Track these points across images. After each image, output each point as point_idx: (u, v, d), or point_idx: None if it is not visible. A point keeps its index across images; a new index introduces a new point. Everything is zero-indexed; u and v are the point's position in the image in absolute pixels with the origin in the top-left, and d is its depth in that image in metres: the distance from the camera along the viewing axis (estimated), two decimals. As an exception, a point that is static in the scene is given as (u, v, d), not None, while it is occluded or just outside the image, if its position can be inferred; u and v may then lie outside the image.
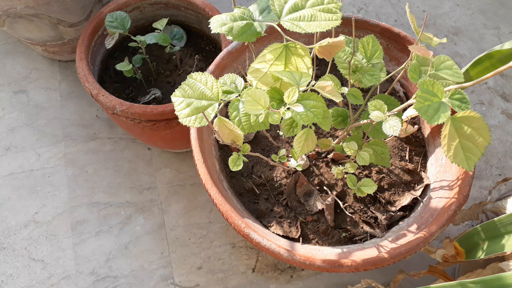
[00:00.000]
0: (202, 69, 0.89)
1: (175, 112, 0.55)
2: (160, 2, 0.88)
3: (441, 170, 0.69)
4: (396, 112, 0.50)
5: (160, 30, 0.82)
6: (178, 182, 0.99)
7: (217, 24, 0.52)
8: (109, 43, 0.75)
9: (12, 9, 0.86)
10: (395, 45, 0.76)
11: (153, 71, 0.88)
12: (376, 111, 0.48)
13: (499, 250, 0.54)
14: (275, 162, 0.67)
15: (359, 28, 0.78)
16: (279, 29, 0.52)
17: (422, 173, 0.71)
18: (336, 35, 0.74)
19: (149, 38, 0.79)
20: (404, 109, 0.69)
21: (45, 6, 0.87)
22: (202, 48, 0.92)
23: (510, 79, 1.17)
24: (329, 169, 0.72)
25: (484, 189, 1.03)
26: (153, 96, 0.85)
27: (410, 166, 0.72)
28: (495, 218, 0.55)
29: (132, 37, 0.77)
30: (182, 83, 0.55)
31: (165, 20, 0.82)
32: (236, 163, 0.55)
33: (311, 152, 0.73)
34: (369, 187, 0.58)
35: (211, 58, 0.90)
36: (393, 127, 0.46)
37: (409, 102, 0.47)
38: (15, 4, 0.85)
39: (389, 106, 0.56)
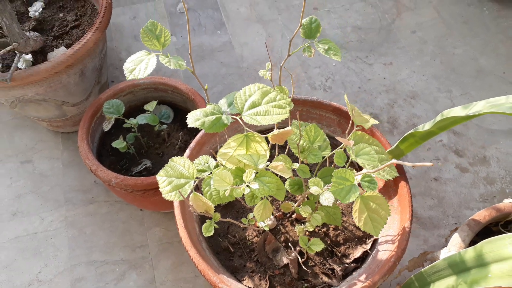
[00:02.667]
0: (187, 141, 1.03)
1: (159, 189, 0.68)
2: (151, 87, 1.04)
3: (386, 227, 0.81)
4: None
5: (150, 111, 0.97)
6: (167, 239, 1.11)
7: (193, 120, 0.66)
8: (106, 126, 0.90)
9: (24, 96, 1.02)
10: (345, 120, 0.92)
11: (144, 145, 1.02)
12: (315, 187, 0.61)
13: (428, 296, 0.66)
14: (245, 224, 0.80)
15: (315, 107, 0.93)
16: (241, 122, 0.66)
17: (372, 229, 0.84)
18: (293, 116, 0.89)
19: (141, 119, 0.94)
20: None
21: (53, 92, 1.03)
22: (186, 123, 1.07)
23: (462, 136, 1.32)
24: (293, 228, 0.84)
25: (441, 237, 1.15)
26: (144, 166, 0.99)
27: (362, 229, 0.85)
28: (422, 269, 0.67)
29: (126, 121, 0.92)
30: (165, 165, 0.69)
31: (154, 103, 0.98)
32: (208, 230, 0.68)
33: (277, 213, 0.86)
34: (317, 246, 0.71)
35: (194, 131, 1.05)
36: (327, 199, 0.59)
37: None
38: (27, 92, 1.00)
39: (330, 177, 0.70)
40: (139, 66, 0.66)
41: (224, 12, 1.59)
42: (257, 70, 1.46)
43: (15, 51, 0.95)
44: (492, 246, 0.57)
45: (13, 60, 1.05)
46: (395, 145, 0.77)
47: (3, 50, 0.90)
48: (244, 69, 1.47)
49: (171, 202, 1.01)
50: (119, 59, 1.44)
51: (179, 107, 1.10)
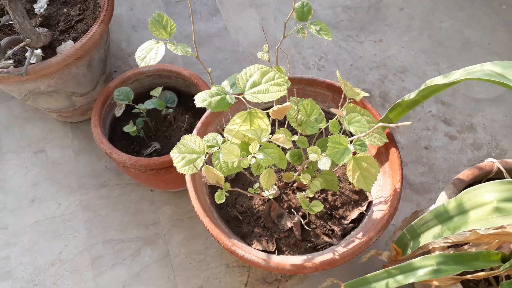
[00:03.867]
0: (192, 123, 1.10)
1: (173, 164, 0.75)
2: (155, 74, 1.11)
3: (379, 190, 0.89)
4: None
5: (156, 97, 1.04)
6: (178, 216, 1.19)
7: (200, 100, 0.73)
8: (118, 112, 0.97)
9: (37, 89, 1.08)
10: (339, 95, 0.99)
11: (152, 129, 1.09)
12: (313, 154, 0.69)
13: (417, 245, 0.74)
14: (251, 193, 0.87)
15: (310, 85, 1.00)
16: (244, 101, 0.73)
17: (367, 193, 0.92)
18: (291, 93, 0.96)
19: (148, 104, 1.01)
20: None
21: (63, 84, 1.09)
22: (190, 106, 1.14)
23: (450, 106, 1.40)
24: (295, 196, 0.92)
25: (433, 200, 1.24)
26: (154, 148, 1.06)
27: (357, 187, 0.93)
28: (412, 223, 0.75)
29: (136, 106, 0.99)
30: (177, 143, 0.76)
31: (159, 89, 1.04)
32: (220, 198, 0.76)
33: (280, 183, 0.94)
34: (317, 207, 0.79)
35: (198, 114, 1.12)
36: (324, 164, 0.67)
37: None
38: (39, 85, 1.06)
39: (326, 146, 0.77)
40: (149, 54, 0.73)
41: (218, -2, 1.64)
42: (252, 53, 1.53)
43: (27, 47, 1.01)
44: (470, 195, 0.65)
45: (23, 55, 1.11)
46: (385, 114, 0.84)
47: (17, 46, 0.96)
48: (240, 53, 1.52)
49: (181, 181, 1.09)
50: (120, 49, 1.50)
51: (182, 91, 1.16)
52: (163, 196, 1.21)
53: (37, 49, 1.06)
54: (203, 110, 1.12)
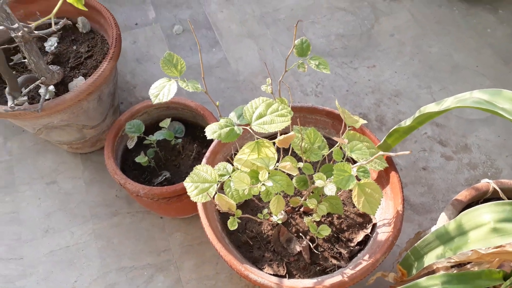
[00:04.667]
0: (199, 152, 1.15)
1: (187, 193, 0.80)
2: (163, 106, 1.17)
3: (382, 212, 0.94)
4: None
5: (165, 128, 1.09)
6: (188, 242, 1.22)
7: (210, 132, 0.78)
8: (130, 144, 1.02)
9: (50, 123, 1.13)
10: (338, 122, 1.04)
11: (162, 158, 1.14)
12: (319, 180, 0.74)
13: (422, 266, 0.78)
14: (261, 219, 0.92)
15: (311, 113, 1.06)
16: (251, 131, 0.78)
17: (371, 215, 0.96)
18: (293, 121, 1.01)
19: (158, 136, 1.06)
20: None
21: (75, 118, 1.15)
22: (197, 136, 1.19)
23: (444, 127, 1.46)
24: (302, 220, 0.97)
25: (434, 220, 1.28)
26: (164, 177, 1.11)
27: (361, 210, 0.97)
28: (416, 244, 0.80)
29: (146, 138, 1.04)
30: (190, 173, 0.80)
31: (168, 120, 1.10)
32: (233, 224, 0.80)
33: (287, 208, 0.98)
34: (325, 230, 0.83)
35: (205, 143, 1.17)
36: (330, 189, 0.72)
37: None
38: (53, 119, 1.12)
39: (330, 172, 0.82)
40: (162, 91, 0.78)
41: (217, 30, 1.72)
42: (253, 82, 1.59)
43: (41, 84, 1.06)
44: (468, 216, 0.70)
45: (36, 91, 1.17)
46: (383, 140, 0.90)
47: (33, 84, 1.02)
48: (241, 82, 1.59)
49: (191, 208, 1.13)
50: (125, 81, 1.56)
51: (189, 122, 1.22)
52: (173, 223, 1.25)
53: (50, 86, 1.12)
54: (210, 139, 1.18)
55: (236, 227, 0.80)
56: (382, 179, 0.97)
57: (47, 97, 1.12)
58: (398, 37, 1.70)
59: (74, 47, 1.26)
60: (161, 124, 1.09)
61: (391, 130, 0.87)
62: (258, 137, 0.79)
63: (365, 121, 0.87)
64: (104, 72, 1.09)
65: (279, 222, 0.94)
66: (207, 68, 1.62)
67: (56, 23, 1.05)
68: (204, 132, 1.19)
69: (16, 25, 0.85)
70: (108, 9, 1.24)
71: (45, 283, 1.16)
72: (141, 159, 1.05)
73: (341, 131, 0.88)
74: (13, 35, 0.91)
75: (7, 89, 1.02)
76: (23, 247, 1.23)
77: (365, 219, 0.97)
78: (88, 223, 1.26)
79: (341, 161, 0.71)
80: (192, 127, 1.22)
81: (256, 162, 0.77)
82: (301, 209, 0.98)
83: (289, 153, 0.94)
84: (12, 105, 0.96)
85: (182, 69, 0.81)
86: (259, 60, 1.64)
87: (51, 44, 1.24)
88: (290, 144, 0.93)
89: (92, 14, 1.24)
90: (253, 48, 1.68)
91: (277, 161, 0.79)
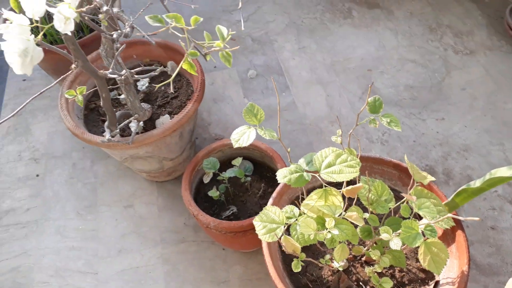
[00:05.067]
0: (265, 191, 1.22)
1: (252, 230, 0.86)
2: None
3: (447, 270, 0.93)
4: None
5: (237, 166, 1.18)
6: (247, 276, 1.27)
7: (281, 176, 0.85)
8: (206, 179, 1.12)
9: (136, 154, 1.27)
10: (405, 174, 1.07)
11: (231, 194, 1.22)
12: (385, 234, 0.77)
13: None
14: (322, 264, 0.95)
15: (378, 163, 1.09)
16: (320, 179, 0.84)
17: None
18: (361, 171, 1.05)
19: (230, 173, 1.15)
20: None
21: (158, 151, 1.28)
22: (264, 175, 1.27)
23: (517, 187, 1.41)
24: (363, 269, 0.98)
25: (502, 284, 1.22)
26: (232, 211, 1.19)
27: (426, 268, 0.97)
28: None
29: (220, 174, 1.14)
30: (260, 213, 0.87)
31: (240, 159, 1.19)
32: (297, 266, 0.85)
33: (349, 256, 1.00)
34: (387, 283, 0.85)
35: (271, 182, 1.24)
36: (396, 244, 0.74)
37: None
38: (139, 151, 1.25)
39: (396, 226, 0.85)
40: (242, 137, 0.87)
41: (288, 76, 1.83)
42: (319, 126, 1.66)
43: (134, 120, 1.21)
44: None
45: (126, 125, 1.32)
46: (451, 198, 0.91)
47: (127, 120, 1.16)
48: (307, 125, 1.66)
49: (253, 243, 1.19)
50: (201, 119, 1.70)
51: (258, 161, 1.30)
52: (235, 256, 1.31)
53: (141, 122, 1.27)
54: (275, 178, 1.25)
55: (300, 269, 0.84)
56: (448, 237, 0.97)
57: (137, 131, 1.27)
58: (470, 91, 1.69)
59: (162, 88, 1.41)
60: (233, 162, 1.18)
61: (460, 189, 0.88)
62: (326, 185, 0.84)
63: (433, 178, 0.89)
64: (189, 113, 1.22)
65: (340, 268, 0.97)
66: (276, 111, 1.71)
67: (150, 69, 1.20)
68: (271, 172, 1.27)
69: (123, 72, 1.00)
70: (195, 55, 1.39)
71: (115, 299, 1.27)
72: (214, 193, 1.14)
73: (409, 187, 0.90)
74: (117, 79, 1.06)
75: (106, 123, 1.17)
76: (99, 263, 1.35)
77: (427, 275, 0.96)
78: (157, 247, 1.36)
79: (409, 217, 0.74)
80: (260, 166, 1.29)
81: (322, 209, 0.82)
82: (363, 258, 1.00)
83: (354, 202, 0.97)
84: (109, 137, 1.10)
85: (261, 118, 0.89)
86: (326, 106, 1.71)
87: (143, 84, 1.41)
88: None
89: (181, 60, 1.40)
90: (321, 94, 1.75)
91: (343, 210, 0.83)
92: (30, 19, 0.55)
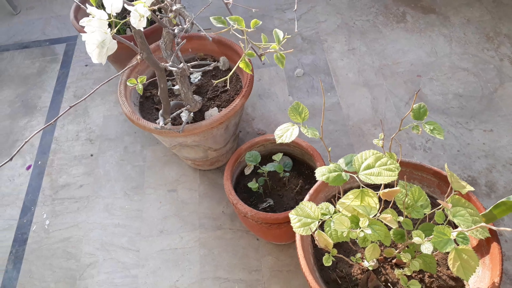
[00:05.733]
0: (302, 187, 1.26)
1: (287, 223, 0.91)
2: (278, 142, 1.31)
3: (478, 280, 0.93)
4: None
5: (277, 161, 1.23)
6: (278, 267, 1.32)
7: (320, 174, 0.89)
8: (247, 171, 1.18)
9: (184, 142, 1.35)
10: (444, 183, 1.07)
11: (269, 187, 1.28)
12: (417, 237, 0.79)
13: None
14: (353, 262, 0.98)
15: (418, 170, 1.10)
16: (358, 180, 0.87)
17: (464, 281, 0.96)
18: (400, 176, 1.07)
19: (270, 167, 1.20)
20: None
21: (204, 141, 1.35)
22: (303, 171, 1.31)
23: None
24: (392, 271, 1.00)
25: (538, 303, 1.19)
26: (268, 204, 1.24)
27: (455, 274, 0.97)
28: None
29: (260, 167, 1.19)
30: (296, 207, 0.91)
31: (280, 155, 1.23)
32: (327, 261, 0.88)
33: (380, 257, 1.03)
34: (415, 286, 0.86)
35: (309, 179, 1.27)
36: (427, 248, 0.76)
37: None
38: (187, 140, 1.33)
39: (429, 231, 0.86)
40: (286, 134, 0.91)
41: (335, 76, 1.85)
42: (361, 128, 1.67)
43: (185, 110, 1.29)
44: None
45: (178, 114, 1.41)
46: (489, 209, 0.90)
47: (179, 110, 1.24)
48: (349, 127, 1.68)
49: (287, 236, 1.24)
50: (246, 113, 1.76)
51: (297, 158, 1.34)
52: (267, 247, 1.37)
53: (191, 112, 1.35)
54: (313, 176, 1.28)
55: (330, 264, 0.88)
56: (482, 248, 0.96)
57: (187, 121, 1.35)
58: (523, 104, 1.63)
59: (213, 81, 1.49)
60: (273, 157, 1.23)
61: (499, 201, 0.88)
62: (364, 186, 0.87)
63: (472, 188, 0.89)
64: (236, 107, 1.28)
65: (370, 268, 0.99)
66: (320, 110, 1.74)
67: (205, 63, 1.27)
68: (309, 170, 1.31)
69: (181, 65, 1.07)
70: (245, 52, 1.45)
71: (153, 276, 1.36)
72: (253, 185, 1.20)
73: (446, 194, 0.91)
74: (175, 71, 1.14)
75: (160, 111, 1.26)
76: (141, 241, 1.45)
77: (457, 283, 0.96)
78: (195, 231, 1.44)
79: (442, 223, 0.75)
80: (299, 163, 1.33)
81: (358, 208, 0.85)
82: (393, 261, 1.02)
83: (390, 205, 0.99)
84: (163, 125, 1.18)
85: (305, 117, 0.93)
86: (370, 108, 1.71)
87: (195, 77, 1.49)
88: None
89: (232, 55, 1.46)
90: (366, 96, 1.76)
91: (378, 211, 0.86)
92: (108, 14, 0.63)
